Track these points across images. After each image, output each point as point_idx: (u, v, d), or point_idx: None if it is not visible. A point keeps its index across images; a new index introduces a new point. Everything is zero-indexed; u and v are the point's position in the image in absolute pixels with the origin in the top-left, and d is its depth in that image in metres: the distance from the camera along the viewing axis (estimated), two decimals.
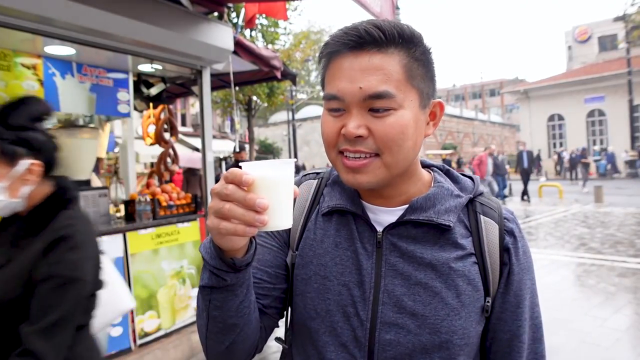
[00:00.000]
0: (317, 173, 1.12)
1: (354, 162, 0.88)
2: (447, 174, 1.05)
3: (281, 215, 0.76)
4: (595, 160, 27.70)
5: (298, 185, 1.08)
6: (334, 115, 0.90)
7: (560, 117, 32.30)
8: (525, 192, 16.42)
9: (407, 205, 0.96)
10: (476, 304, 0.93)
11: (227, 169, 8.12)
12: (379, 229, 0.96)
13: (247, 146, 17.13)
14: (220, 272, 0.83)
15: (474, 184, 1.03)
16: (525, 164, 16.47)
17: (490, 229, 0.96)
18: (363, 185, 0.90)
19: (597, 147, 29.25)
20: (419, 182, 0.99)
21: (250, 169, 0.74)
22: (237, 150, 8.26)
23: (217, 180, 5.50)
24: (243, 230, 0.73)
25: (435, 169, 1.07)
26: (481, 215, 0.98)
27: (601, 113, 30.32)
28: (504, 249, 0.96)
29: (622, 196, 16.28)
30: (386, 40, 0.86)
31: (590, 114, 30.84)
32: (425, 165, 1.07)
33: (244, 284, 0.88)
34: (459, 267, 0.92)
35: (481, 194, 1.02)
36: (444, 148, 41.32)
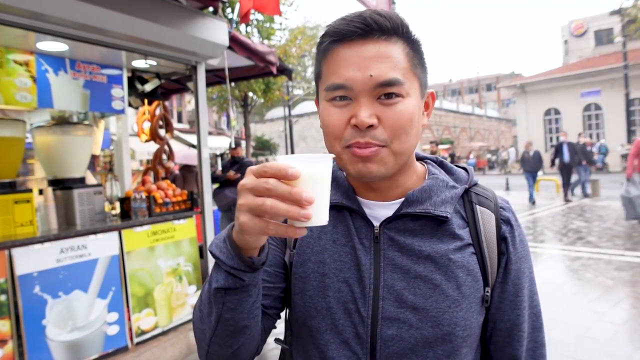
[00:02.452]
0: None
1: (364, 150, 0.85)
2: (441, 165, 1.05)
3: (322, 210, 0.73)
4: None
5: None
6: (339, 105, 0.88)
7: (557, 112, 32.34)
8: (567, 191, 14.23)
9: (403, 199, 0.95)
10: (476, 294, 0.92)
11: (223, 166, 8.03)
12: (376, 223, 0.95)
13: (243, 142, 17.09)
14: (238, 273, 0.80)
15: (468, 174, 1.03)
16: (567, 158, 13.81)
17: (486, 219, 0.96)
18: (374, 174, 0.88)
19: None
20: (414, 174, 0.99)
21: (294, 163, 0.70)
22: (234, 146, 8.17)
23: (213, 177, 5.46)
24: (285, 231, 0.71)
25: (429, 161, 1.06)
26: (477, 206, 0.97)
27: (597, 107, 30.38)
28: (501, 238, 0.96)
29: (618, 190, 16.30)
30: (392, 29, 0.85)
31: (587, 108, 30.89)
32: (419, 158, 1.06)
33: (257, 284, 0.86)
34: (458, 258, 0.91)
35: (476, 184, 1.02)
36: (441, 143, 41.42)
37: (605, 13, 32.14)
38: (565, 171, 13.91)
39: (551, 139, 32.70)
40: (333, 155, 0.75)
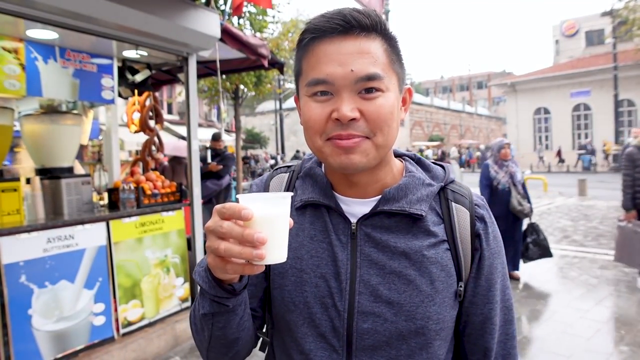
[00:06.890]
0: (288, 166, 1.13)
1: (347, 142, 0.87)
2: (419, 162, 1.08)
3: (278, 249, 0.75)
4: (580, 155, 28.04)
5: (270, 180, 1.11)
6: (320, 100, 0.89)
7: (547, 111, 32.58)
8: None
9: (379, 196, 0.97)
10: (449, 289, 0.95)
11: (211, 157, 7.95)
12: (353, 220, 0.97)
13: (227, 135, 17.01)
14: (221, 300, 0.85)
15: (444, 172, 1.05)
16: None
17: (461, 216, 0.99)
18: (356, 165, 0.89)
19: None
20: (392, 170, 1.01)
21: (249, 204, 0.72)
22: (216, 138, 8.04)
23: (202, 172, 5.44)
24: (242, 269, 0.74)
25: (407, 158, 1.08)
26: (452, 203, 1.00)
27: (587, 107, 30.65)
28: (475, 235, 0.99)
29: (605, 190, 16.49)
30: (370, 26, 0.88)
31: (576, 108, 31.16)
32: (397, 155, 1.08)
33: (242, 302, 0.91)
34: (432, 255, 0.94)
35: (452, 181, 1.04)
36: (431, 139, 41.61)
37: (597, 14, 32.40)
38: None
39: (540, 139, 32.96)
40: (291, 194, 0.77)
